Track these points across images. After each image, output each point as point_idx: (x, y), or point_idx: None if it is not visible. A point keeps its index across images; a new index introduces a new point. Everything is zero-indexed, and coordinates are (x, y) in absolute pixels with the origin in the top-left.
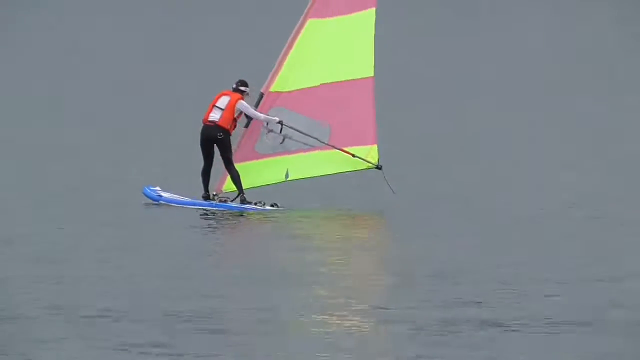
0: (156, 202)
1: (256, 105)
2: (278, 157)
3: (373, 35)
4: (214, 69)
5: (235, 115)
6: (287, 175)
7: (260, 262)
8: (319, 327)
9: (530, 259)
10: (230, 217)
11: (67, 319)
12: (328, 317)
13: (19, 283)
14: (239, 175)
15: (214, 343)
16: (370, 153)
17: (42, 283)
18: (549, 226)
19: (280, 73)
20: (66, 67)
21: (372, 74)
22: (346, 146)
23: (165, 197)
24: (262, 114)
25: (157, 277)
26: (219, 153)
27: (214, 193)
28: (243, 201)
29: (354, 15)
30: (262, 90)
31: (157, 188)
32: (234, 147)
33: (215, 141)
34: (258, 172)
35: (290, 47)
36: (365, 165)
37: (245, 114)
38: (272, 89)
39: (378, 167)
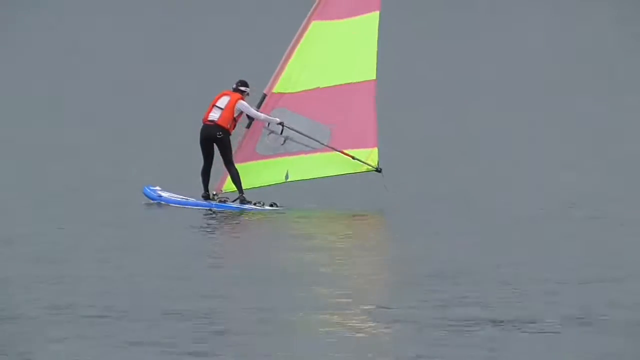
0: (156, 202)
1: (258, 106)
2: (278, 159)
3: (376, 38)
4: (214, 69)
5: (235, 115)
6: (287, 177)
7: (260, 262)
8: (319, 326)
9: (530, 259)
10: (230, 217)
11: (67, 318)
12: (328, 316)
13: (19, 283)
14: (238, 175)
15: (214, 343)
16: (370, 156)
17: (42, 283)
18: (549, 226)
19: (283, 74)
20: (66, 67)
21: (374, 77)
22: (347, 149)
23: (165, 198)
24: (262, 114)
25: (157, 277)
26: (219, 153)
27: (214, 193)
28: (242, 201)
29: (357, 18)
30: (264, 91)
31: (157, 188)
32: (234, 147)
33: (215, 140)
34: (258, 172)
35: (293, 48)
36: (365, 167)
37: (246, 115)
38: (275, 90)
39: (378, 170)
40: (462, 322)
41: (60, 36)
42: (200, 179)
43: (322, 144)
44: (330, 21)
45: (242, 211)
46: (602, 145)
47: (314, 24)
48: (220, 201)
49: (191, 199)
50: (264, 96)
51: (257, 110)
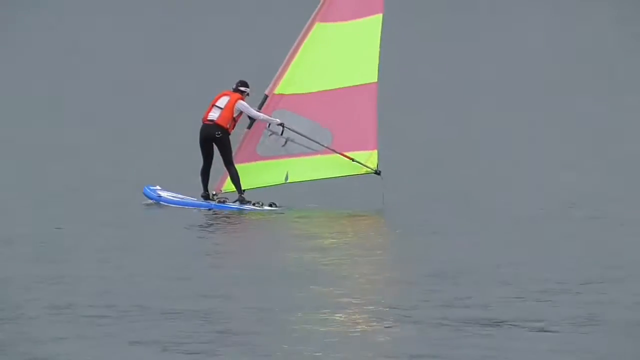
0: (156, 202)
1: (260, 107)
2: (278, 160)
3: (379, 41)
4: (214, 69)
5: (234, 115)
6: (286, 178)
7: (260, 262)
8: (319, 326)
9: (530, 259)
10: (230, 217)
11: (67, 318)
12: (328, 316)
13: (19, 283)
14: (238, 176)
15: (214, 343)
16: (370, 158)
17: (42, 283)
18: (549, 226)
19: (285, 75)
20: (66, 67)
21: (375, 80)
22: (347, 151)
23: (165, 198)
24: (262, 115)
25: (157, 277)
26: (219, 153)
27: (214, 193)
28: (242, 201)
29: (361, 20)
30: (266, 92)
31: (157, 187)
32: (235, 147)
33: (214, 140)
34: (258, 173)
35: (296, 49)
36: (364, 170)
37: (248, 116)
38: (277, 91)
39: (377, 173)
40: (462, 321)
41: (60, 36)
42: (199, 178)
43: (323, 145)
44: (333, 23)
45: (241, 211)
46: (602, 145)
47: (318, 26)
48: (219, 201)
49: (190, 198)
50: (266, 97)
51: (258, 111)
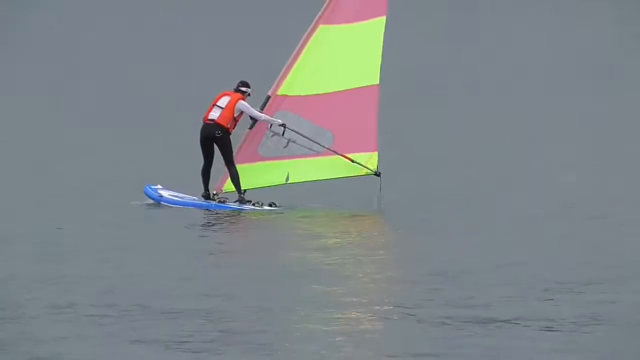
0: (157, 202)
1: (262, 107)
2: (280, 161)
3: (382, 43)
4: (214, 69)
5: (235, 115)
6: (287, 179)
7: (262, 261)
8: (321, 325)
9: (530, 259)
10: (230, 217)
11: (68, 318)
12: (331, 315)
13: (19, 282)
14: (238, 176)
15: (216, 342)
16: (370, 160)
17: (42, 282)
18: (549, 226)
19: (288, 77)
20: (66, 67)
21: (377, 82)
22: (348, 152)
23: (166, 198)
24: (263, 115)
25: (159, 276)
26: (219, 152)
27: (214, 192)
28: (241, 201)
29: (364, 23)
30: (269, 93)
31: (159, 186)
32: (236, 147)
33: (214, 139)
34: (259, 173)
35: (300, 51)
36: (364, 171)
37: (250, 117)
38: (280, 92)
39: (377, 174)
40: (464, 320)
41: (60, 36)
42: (200, 178)
43: (324, 147)
44: (337, 25)
45: (241, 211)
46: (602, 145)
47: (321, 28)
48: (219, 201)
49: (191, 198)
50: (268, 98)
51: (259, 111)
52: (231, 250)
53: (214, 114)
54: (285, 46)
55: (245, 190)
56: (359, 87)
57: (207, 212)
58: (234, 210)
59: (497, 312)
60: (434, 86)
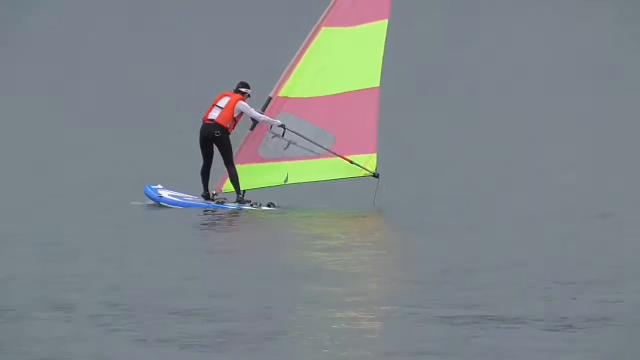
0: (157, 202)
1: (263, 109)
2: (280, 163)
3: (383, 46)
4: (214, 69)
5: (235, 115)
6: (286, 180)
7: (264, 261)
8: (324, 324)
9: (531, 259)
10: (231, 217)
11: (69, 318)
12: (334, 315)
13: (19, 282)
14: (237, 176)
15: (218, 341)
16: (369, 161)
17: (42, 282)
18: (549, 226)
19: (290, 78)
20: (66, 67)
21: (378, 85)
22: (347, 154)
23: (166, 198)
24: (263, 116)
25: (159, 276)
26: (219, 152)
27: (214, 192)
28: (240, 201)
29: (366, 26)
30: (270, 95)
31: (159, 186)
32: (236, 148)
33: (214, 139)
34: (258, 174)
35: (302, 53)
36: (363, 172)
37: (251, 118)
38: (281, 93)
39: (375, 175)
40: (463, 321)
41: (60, 36)
42: (200, 178)
43: (324, 148)
44: (339, 28)
45: (240, 211)
46: (602, 145)
47: (324, 30)
48: (218, 202)
49: (191, 197)
50: (269, 99)
51: (260, 112)
52: (232, 250)
53: (214, 114)
54: (285, 47)
55: (244, 191)
56: (360, 90)
57: (206, 212)
58: (233, 209)
59: (498, 311)
60: (434, 86)
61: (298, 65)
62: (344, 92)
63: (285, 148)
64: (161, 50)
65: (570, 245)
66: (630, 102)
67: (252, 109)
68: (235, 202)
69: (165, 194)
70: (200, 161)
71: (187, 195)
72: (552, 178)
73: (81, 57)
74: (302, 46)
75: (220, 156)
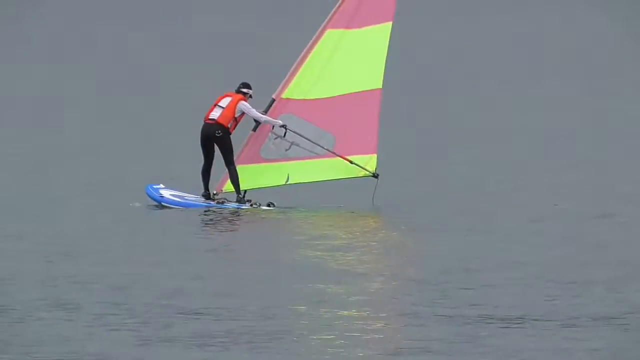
0: (158, 203)
1: (266, 110)
2: (281, 163)
3: (387, 48)
4: (213, 69)
5: (236, 116)
6: (287, 180)
7: (266, 261)
8: (328, 323)
9: (531, 259)
10: (233, 217)
11: (69, 317)
12: (338, 314)
13: (23, 282)
14: (237, 176)
15: (222, 340)
16: (369, 162)
17: (43, 282)
18: (549, 226)
19: (293, 80)
20: (66, 67)
21: (380, 86)
22: (348, 154)
23: (167, 199)
24: (264, 116)
25: (163, 276)
26: (220, 152)
27: (214, 192)
28: (240, 202)
29: (371, 28)
30: (273, 96)
31: (161, 185)
32: (238, 148)
33: (215, 139)
34: (259, 175)
35: (306, 55)
36: (362, 172)
37: (253, 119)
38: (284, 95)
39: (374, 176)
40: (463, 321)
41: (60, 36)
42: (200, 178)
43: (325, 149)
44: (344, 30)
45: (240, 211)
46: (602, 145)
47: (329, 33)
48: (218, 202)
49: (192, 197)
50: (272, 101)
51: (262, 113)
52: (235, 250)
53: (215, 114)
54: (285, 48)
55: (245, 191)
56: (362, 91)
57: (208, 212)
58: (234, 210)
59: (501, 311)
60: (434, 86)
61: (302, 68)
62: (347, 94)
63: (287, 149)
64: (161, 50)
65: (571, 245)
66: (630, 102)
67: (254, 110)
68: (235, 202)
69: (167, 193)
70: (200, 161)
71: (188, 195)
72: (552, 178)
73: (81, 57)
74: (306, 48)
75: (221, 156)
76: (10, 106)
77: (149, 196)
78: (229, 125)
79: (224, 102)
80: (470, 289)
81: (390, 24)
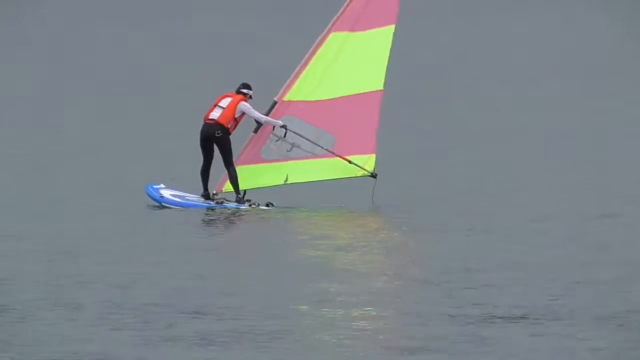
0: (158, 203)
1: (268, 112)
2: (280, 163)
3: (389, 51)
4: (214, 69)
5: (236, 116)
6: (286, 180)
7: (267, 261)
8: (329, 323)
9: (530, 259)
10: (233, 217)
11: (71, 317)
12: (339, 313)
13: (24, 282)
14: (237, 176)
15: (224, 340)
16: (368, 162)
17: (44, 282)
18: (549, 226)
19: (296, 83)
20: (66, 67)
21: (381, 88)
22: (347, 154)
23: (167, 199)
24: (264, 116)
25: (164, 276)
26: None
27: (214, 192)
28: (239, 202)
29: (375, 31)
30: (275, 98)
31: (161, 185)
32: (238, 149)
33: (214, 139)
34: (259, 175)
35: (310, 58)
36: (361, 172)
37: (255, 120)
38: (286, 97)
39: (373, 176)
40: (464, 321)
41: (60, 36)
42: (200, 178)
43: (324, 149)
44: (347, 33)
45: (240, 211)
46: (602, 145)
47: (333, 35)
48: (217, 202)
49: (192, 197)
50: (274, 103)
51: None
52: (237, 249)
53: (215, 114)
54: (285, 48)
55: (245, 191)
56: (364, 93)
57: (208, 212)
58: (233, 209)
59: (500, 311)
60: (434, 86)
61: (305, 70)
62: (348, 95)
63: (288, 151)
64: (161, 50)
65: (572, 246)
66: (630, 103)
67: (254, 110)
68: (234, 202)
69: (167, 193)
70: (200, 161)
71: (189, 195)
72: (552, 178)
73: (81, 57)
74: (310, 51)
75: (220, 156)
76: (10, 106)
77: (149, 196)
78: (229, 126)
79: (224, 102)
80: (472, 288)
81: (393, 26)
